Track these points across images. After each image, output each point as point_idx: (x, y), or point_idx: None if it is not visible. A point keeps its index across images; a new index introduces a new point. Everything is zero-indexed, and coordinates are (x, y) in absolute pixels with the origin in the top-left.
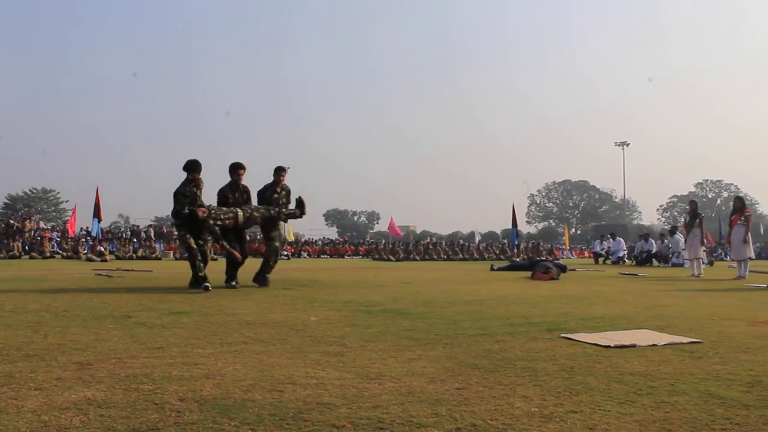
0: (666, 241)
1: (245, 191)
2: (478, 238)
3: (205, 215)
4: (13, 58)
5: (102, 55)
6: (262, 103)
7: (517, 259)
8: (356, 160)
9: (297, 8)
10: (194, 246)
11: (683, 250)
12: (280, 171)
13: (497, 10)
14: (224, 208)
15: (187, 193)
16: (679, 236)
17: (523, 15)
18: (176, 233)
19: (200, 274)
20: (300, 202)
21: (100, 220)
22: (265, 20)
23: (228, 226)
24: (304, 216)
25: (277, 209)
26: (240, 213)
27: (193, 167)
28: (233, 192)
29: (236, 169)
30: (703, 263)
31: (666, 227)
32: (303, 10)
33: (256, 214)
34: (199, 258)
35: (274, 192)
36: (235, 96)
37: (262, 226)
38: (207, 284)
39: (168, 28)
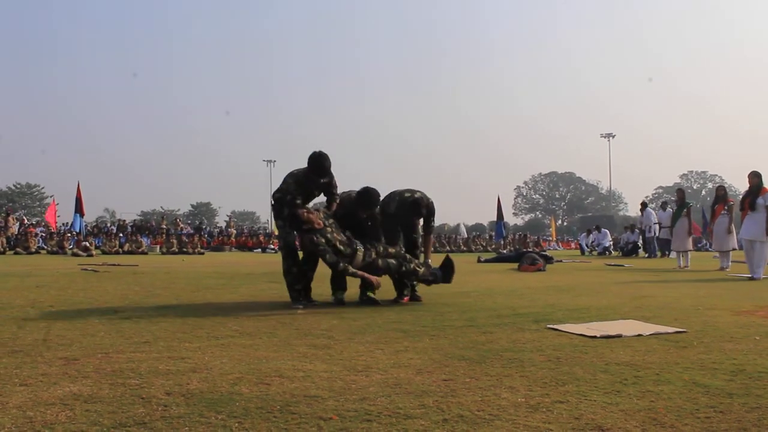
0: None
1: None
2: (462, 231)
3: (312, 222)
4: (2, 54)
5: (93, 53)
6: (244, 97)
7: (504, 251)
8: (341, 155)
9: (279, 3)
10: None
11: (655, 224)
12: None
13: (482, 4)
14: (343, 235)
15: (301, 182)
16: (651, 211)
17: (508, 9)
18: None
19: (296, 287)
20: (448, 266)
21: (82, 215)
22: (247, 15)
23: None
24: (448, 282)
25: (411, 264)
26: (360, 252)
27: (313, 166)
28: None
29: (365, 205)
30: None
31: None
32: (286, 4)
33: (380, 262)
34: (298, 262)
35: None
36: (217, 91)
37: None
38: (299, 305)
39: (152, 25)
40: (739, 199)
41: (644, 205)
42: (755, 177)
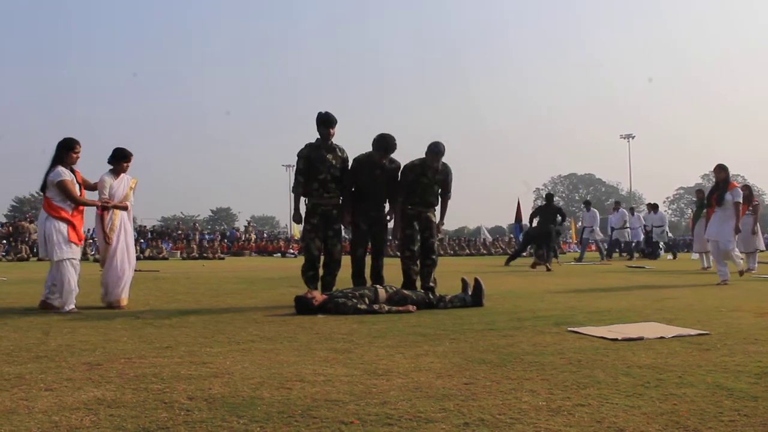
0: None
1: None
2: (484, 234)
3: (316, 298)
4: (15, 57)
5: (103, 55)
6: (263, 102)
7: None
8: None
9: (298, 5)
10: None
11: (587, 227)
12: (436, 158)
13: (501, 3)
14: (359, 292)
15: (313, 158)
16: (595, 211)
17: (527, 8)
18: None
19: (309, 273)
20: (478, 287)
21: None
22: (266, 18)
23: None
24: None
25: (432, 295)
26: (380, 288)
27: (322, 121)
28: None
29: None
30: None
31: (674, 219)
32: (305, 7)
33: (407, 292)
34: (316, 266)
35: (423, 175)
36: (235, 96)
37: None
38: (313, 286)
39: (168, 28)
40: (763, 200)
41: (588, 204)
42: (722, 170)
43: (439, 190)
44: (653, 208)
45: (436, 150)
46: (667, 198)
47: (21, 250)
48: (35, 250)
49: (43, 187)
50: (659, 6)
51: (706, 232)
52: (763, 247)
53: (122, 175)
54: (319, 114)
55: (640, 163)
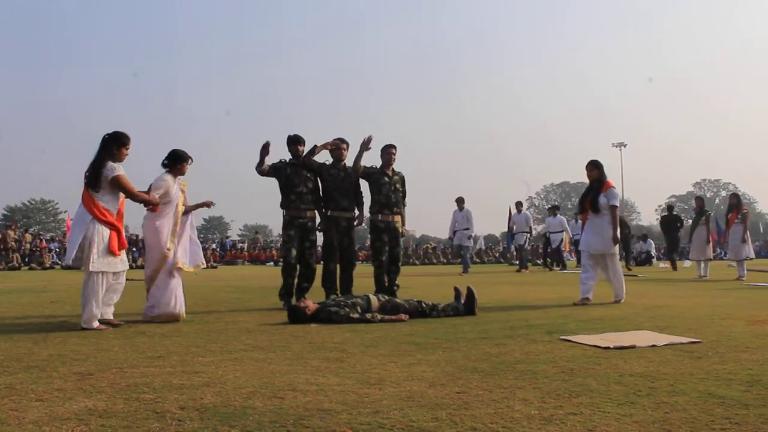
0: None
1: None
2: (479, 242)
3: (309, 307)
4: (10, 61)
5: (100, 57)
6: (256, 110)
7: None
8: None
9: (293, 10)
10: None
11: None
12: (389, 149)
13: (493, 10)
14: (351, 300)
15: (289, 173)
16: (469, 211)
17: (519, 16)
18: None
19: (289, 281)
20: (470, 296)
21: None
22: (264, 21)
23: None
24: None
25: (425, 304)
26: (372, 296)
27: (291, 141)
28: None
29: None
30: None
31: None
32: (299, 12)
33: (399, 300)
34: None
35: (384, 175)
36: (229, 104)
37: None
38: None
39: (168, 29)
40: (754, 208)
41: (460, 202)
42: (594, 168)
43: (401, 195)
44: (552, 211)
45: (387, 145)
46: (659, 206)
47: (12, 260)
48: (27, 260)
49: (91, 185)
50: (651, 15)
51: (582, 244)
52: (752, 255)
53: (177, 177)
54: (288, 136)
55: (632, 171)
